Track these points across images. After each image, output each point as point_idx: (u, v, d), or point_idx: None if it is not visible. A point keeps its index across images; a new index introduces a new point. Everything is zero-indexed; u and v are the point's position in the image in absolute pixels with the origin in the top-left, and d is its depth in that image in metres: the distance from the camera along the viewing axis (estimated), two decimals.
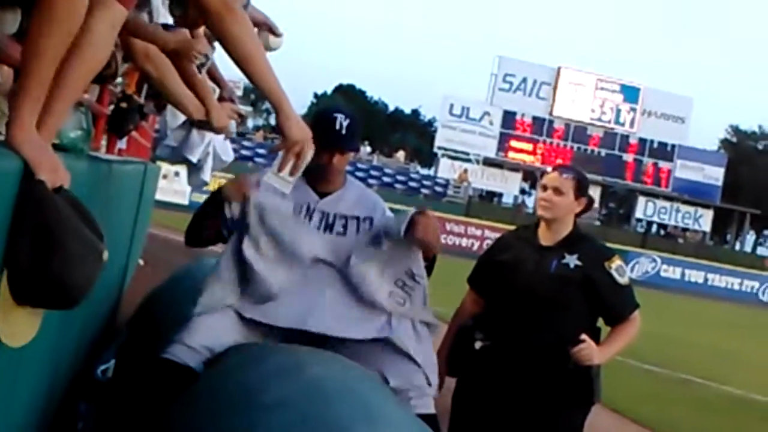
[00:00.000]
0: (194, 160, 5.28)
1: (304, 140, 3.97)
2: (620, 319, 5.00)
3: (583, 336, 4.79)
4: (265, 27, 4.64)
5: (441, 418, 5.00)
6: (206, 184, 5.80)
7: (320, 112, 4.75)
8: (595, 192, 38.17)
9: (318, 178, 4.58)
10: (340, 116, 4.54)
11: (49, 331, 3.36)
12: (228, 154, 5.59)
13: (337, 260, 4.52)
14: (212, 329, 4.37)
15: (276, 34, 4.79)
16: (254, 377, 3.80)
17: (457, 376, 5.22)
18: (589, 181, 5.27)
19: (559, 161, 50.34)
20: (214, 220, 4.66)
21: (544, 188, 5.04)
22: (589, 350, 4.78)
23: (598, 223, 53.06)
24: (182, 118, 5.41)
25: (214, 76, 5.68)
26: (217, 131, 5.18)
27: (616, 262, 4.97)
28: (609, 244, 5.37)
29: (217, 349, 4.31)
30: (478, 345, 5.10)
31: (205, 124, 5.12)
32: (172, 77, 4.96)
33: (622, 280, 4.96)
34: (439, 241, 4.44)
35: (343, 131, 4.53)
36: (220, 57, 5.26)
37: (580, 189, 5.00)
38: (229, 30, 3.54)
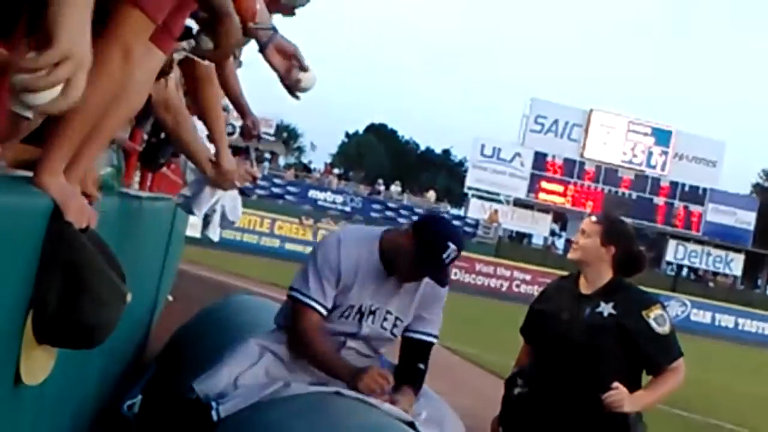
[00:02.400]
0: (199, 215, 5.30)
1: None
2: (659, 369, 4.92)
3: (616, 383, 4.73)
4: (295, 60, 4.64)
5: None
6: (212, 241, 5.79)
7: (433, 235, 4.46)
8: None
9: (395, 268, 4.54)
10: (451, 248, 4.38)
11: (70, 367, 3.36)
12: (236, 214, 5.58)
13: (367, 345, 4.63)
14: (238, 370, 4.36)
15: (303, 69, 4.79)
16: (280, 415, 3.79)
17: (503, 425, 5.21)
18: (630, 232, 5.19)
19: (589, 204, 50.28)
20: None
21: (578, 230, 5.06)
22: (619, 397, 4.71)
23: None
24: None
25: (239, 104, 5.67)
26: (224, 184, 5.19)
27: (656, 312, 4.89)
28: (640, 287, 5.30)
29: (243, 389, 4.30)
30: (516, 391, 5.09)
31: (216, 166, 5.12)
32: (189, 131, 4.97)
33: (661, 330, 4.86)
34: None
35: (447, 262, 4.41)
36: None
37: (607, 234, 4.95)
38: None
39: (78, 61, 1.89)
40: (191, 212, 5.34)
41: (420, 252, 4.35)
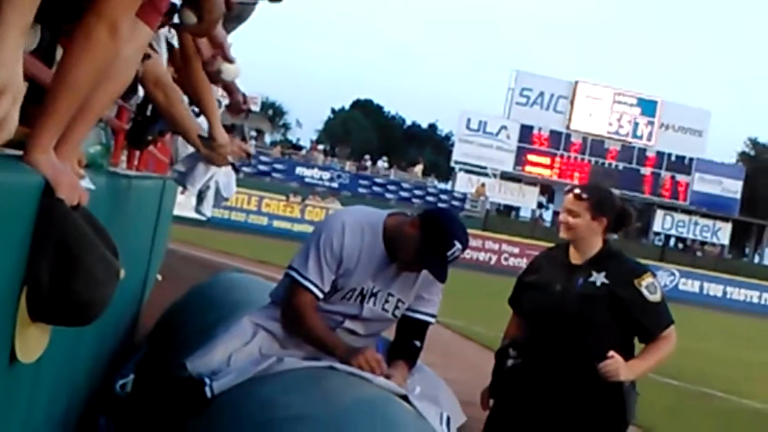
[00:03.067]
0: (194, 191, 5.29)
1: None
2: (652, 337, 4.94)
3: (611, 352, 4.74)
4: (221, 51, 4.64)
5: None
6: (206, 217, 5.79)
7: (441, 225, 4.50)
8: None
9: (398, 257, 4.51)
10: (457, 246, 4.39)
11: (65, 346, 3.37)
12: (230, 191, 5.58)
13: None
14: (232, 347, 4.37)
15: (229, 60, 4.77)
16: (273, 391, 3.80)
17: (494, 396, 5.21)
18: (612, 194, 5.20)
19: (576, 175, 50.32)
20: None
21: (563, 209, 5.02)
22: (615, 366, 4.72)
23: (615, 236, 52.96)
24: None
25: (225, 81, 5.66)
26: (217, 159, 5.18)
27: (647, 280, 4.90)
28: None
29: (237, 365, 4.31)
30: (509, 363, 5.09)
31: (207, 141, 5.11)
32: (180, 107, 4.96)
33: (653, 298, 4.88)
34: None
35: (449, 260, 4.42)
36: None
37: (597, 208, 4.94)
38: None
39: (15, 94, 1.89)
40: (185, 187, 5.33)
41: (424, 245, 4.34)
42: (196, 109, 5.42)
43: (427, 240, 4.33)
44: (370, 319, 4.58)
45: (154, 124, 6.13)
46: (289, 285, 4.54)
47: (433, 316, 4.70)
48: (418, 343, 4.62)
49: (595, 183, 5.61)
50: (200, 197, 5.46)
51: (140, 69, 4.47)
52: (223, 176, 5.44)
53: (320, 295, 4.46)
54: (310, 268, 4.45)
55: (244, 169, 38.34)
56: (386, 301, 4.56)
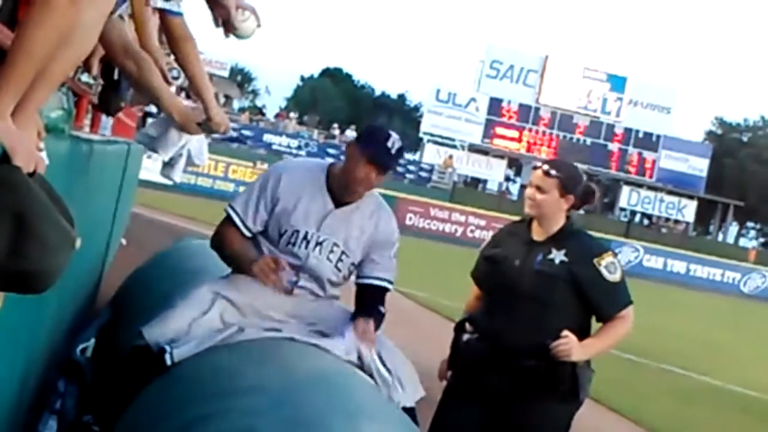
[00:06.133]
0: (165, 158, 5.25)
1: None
2: (609, 317, 4.94)
3: (565, 332, 4.74)
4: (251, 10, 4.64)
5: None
6: (174, 182, 5.77)
7: (373, 128, 4.87)
8: None
9: (345, 186, 4.60)
10: (394, 137, 4.57)
11: (23, 310, 3.35)
12: (202, 158, 5.54)
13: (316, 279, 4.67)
14: (191, 316, 4.36)
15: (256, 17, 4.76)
16: (230, 362, 3.80)
17: (451, 369, 5.22)
18: (580, 174, 5.19)
19: (544, 149, 50.48)
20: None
21: (530, 185, 5.01)
22: (567, 346, 4.72)
23: (582, 212, 53.19)
24: None
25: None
26: (192, 128, 5.13)
27: (607, 259, 4.89)
28: (592, 234, 5.30)
29: (197, 334, 4.30)
30: (465, 338, 5.09)
31: (206, 126, 5.07)
32: (152, 75, 4.89)
33: (612, 278, 4.87)
34: (373, 344, 4.42)
35: (393, 151, 4.56)
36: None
37: (566, 187, 4.93)
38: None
39: None
40: (155, 151, 5.27)
41: (364, 147, 4.53)
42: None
43: (366, 142, 4.56)
44: (316, 272, 4.61)
45: (122, 90, 6.08)
46: (222, 219, 4.75)
47: (389, 281, 4.73)
48: (382, 309, 4.65)
49: (564, 160, 5.57)
50: (170, 163, 5.42)
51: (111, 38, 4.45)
52: (196, 143, 5.41)
53: (244, 230, 4.67)
54: (241, 204, 4.68)
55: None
56: (331, 251, 4.61)
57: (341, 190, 4.61)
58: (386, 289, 4.73)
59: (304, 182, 4.66)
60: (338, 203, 4.63)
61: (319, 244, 4.59)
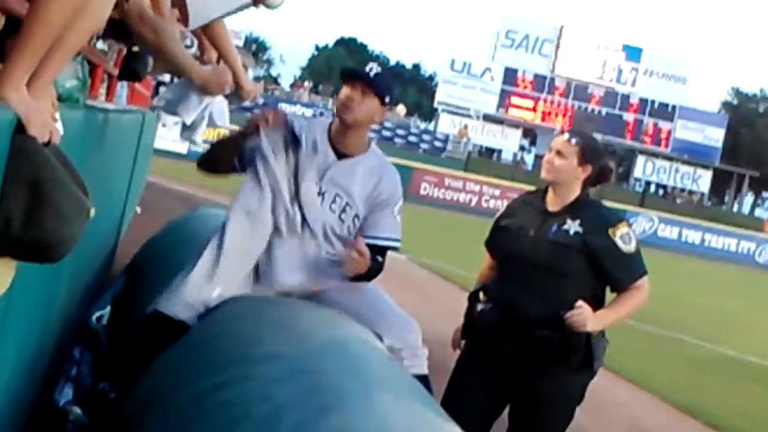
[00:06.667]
0: (187, 121, 5.23)
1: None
2: (623, 287, 4.92)
3: (579, 302, 4.74)
4: None
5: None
6: (195, 143, 5.77)
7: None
8: None
9: (340, 134, 4.65)
10: (373, 64, 4.65)
11: (39, 279, 3.37)
12: (223, 119, 5.54)
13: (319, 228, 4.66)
14: (207, 284, 4.38)
15: None
16: (247, 330, 3.81)
17: (465, 338, 5.23)
18: (602, 149, 5.19)
19: (559, 119, 50.36)
20: (231, 150, 4.78)
21: (550, 150, 5.00)
22: (582, 316, 4.71)
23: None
24: None
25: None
26: (214, 89, 5.12)
27: (622, 230, 4.86)
28: (606, 203, 5.29)
29: (212, 304, 4.33)
30: (479, 307, 5.10)
31: (236, 95, 5.09)
32: (172, 42, 4.85)
33: (627, 248, 4.85)
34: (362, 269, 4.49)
35: (371, 74, 4.59)
36: None
37: (585, 155, 4.91)
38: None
39: None
40: (177, 115, 5.25)
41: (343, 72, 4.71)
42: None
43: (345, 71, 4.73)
44: (323, 226, 4.63)
45: (147, 57, 6.08)
46: None
47: (392, 240, 4.74)
48: (379, 258, 4.65)
49: (587, 133, 5.59)
50: (192, 126, 5.40)
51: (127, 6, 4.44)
52: (217, 105, 5.40)
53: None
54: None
55: None
56: (333, 201, 4.62)
57: (340, 138, 4.65)
58: (388, 248, 4.74)
59: (310, 130, 4.70)
60: (340, 156, 4.65)
61: (321, 194, 4.61)
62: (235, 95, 5.01)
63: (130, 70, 6.40)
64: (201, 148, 5.61)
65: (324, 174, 4.61)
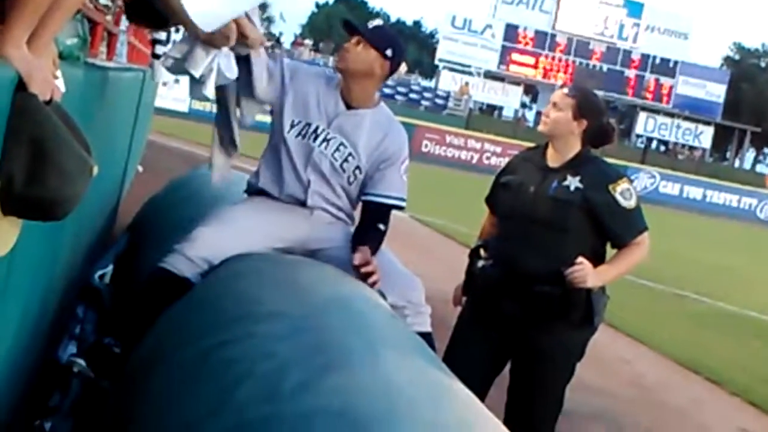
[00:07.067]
0: (197, 75, 5.19)
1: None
2: (623, 243, 4.93)
3: (579, 258, 4.74)
4: None
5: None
6: (207, 99, 5.76)
7: None
8: None
9: (346, 87, 4.70)
10: (377, 20, 4.79)
11: (41, 238, 3.37)
12: (232, 71, 5.51)
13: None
14: (212, 241, 4.40)
15: None
16: (249, 288, 3.82)
17: (466, 295, 5.24)
18: (601, 106, 5.17)
19: (561, 76, 50.21)
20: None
21: (549, 102, 5.01)
22: (582, 272, 4.72)
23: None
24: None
25: None
26: (218, 41, 5.09)
27: (622, 186, 4.85)
28: (608, 160, 5.28)
29: (216, 262, 4.35)
30: (479, 264, 5.10)
31: (242, 45, 5.06)
32: None
33: (627, 204, 4.84)
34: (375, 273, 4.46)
35: (369, 26, 4.69)
36: None
37: (581, 108, 4.90)
38: None
39: None
40: (187, 73, 5.23)
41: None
42: None
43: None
44: (323, 173, 4.69)
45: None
46: None
47: (395, 199, 4.76)
48: (382, 227, 4.68)
49: (588, 88, 5.55)
50: (200, 80, 5.38)
51: None
52: (224, 58, 5.38)
53: None
54: None
55: None
56: (337, 149, 4.67)
57: (346, 91, 4.70)
58: (391, 206, 4.76)
59: (319, 79, 4.79)
60: (349, 107, 4.70)
61: (326, 140, 4.66)
62: (241, 44, 4.99)
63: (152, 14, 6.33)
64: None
65: (332, 121, 4.67)
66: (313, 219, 4.67)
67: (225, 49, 5.18)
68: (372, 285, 4.31)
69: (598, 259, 4.84)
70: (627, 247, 4.89)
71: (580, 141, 4.93)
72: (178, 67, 5.16)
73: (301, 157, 4.66)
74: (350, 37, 4.67)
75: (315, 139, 4.66)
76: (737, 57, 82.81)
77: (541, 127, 5.00)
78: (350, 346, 3.05)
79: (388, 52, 4.63)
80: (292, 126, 4.69)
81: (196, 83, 5.32)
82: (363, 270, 4.34)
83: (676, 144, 54.43)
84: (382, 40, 4.65)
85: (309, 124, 4.67)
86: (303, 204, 4.68)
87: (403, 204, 4.80)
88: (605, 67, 52.13)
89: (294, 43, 56.60)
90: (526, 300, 4.84)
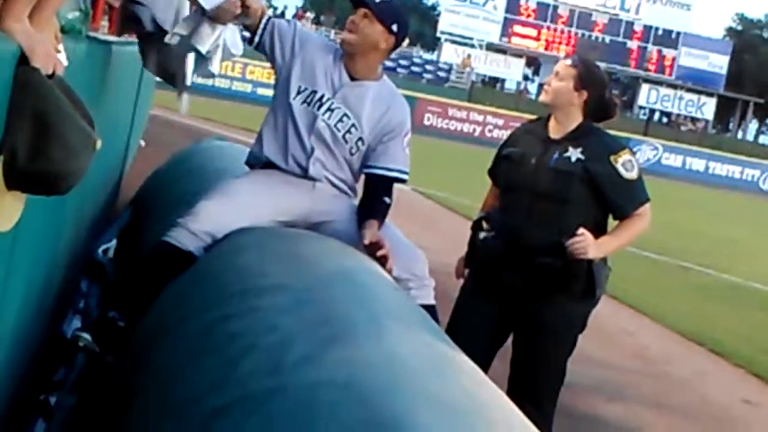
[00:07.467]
0: (203, 51, 5.18)
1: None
2: (625, 214, 4.92)
3: (581, 230, 4.74)
4: None
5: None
6: (213, 75, 5.74)
7: None
8: None
9: (350, 59, 4.68)
10: None
11: (45, 212, 3.37)
12: (238, 47, 5.50)
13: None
14: (215, 215, 4.40)
15: None
16: (252, 261, 3.82)
17: (468, 267, 5.24)
18: (603, 78, 5.16)
19: (563, 47, 50.09)
20: None
21: (553, 72, 5.01)
22: (583, 243, 4.71)
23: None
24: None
25: None
26: (224, 15, 5.09)
27: (624, 157, 4.84)
28: (611, 132, 5.27)
29: (219, 236, 4.35)
30: (481, 236, 5.10)
31: (244, 16, 5.05)
32: None
33: (629, 175, 4.83)
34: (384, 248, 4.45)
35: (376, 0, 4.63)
36: None
37: (582, 79, 4.90)
38: None
39: None
40: (194, 50, 5.22)
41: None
42: None
43: None
44: (325, 138, 4.68)
45: None
46: None
47: (398, 171, 4.75)
48: (387, 200, 4.69)
49: (590, 59, 5.55)
50: (205, 56, 5.37)
51: None
52: (230, 34, 5.37)
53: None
54: None
55: None
56: (340, 120, 4.66)
57: (350, 63, 4.69)
58: (394, 179, 4.76)
59: (327, 50, 4.77)
60: (352, 79, 4.69)
61: (330, 110, 4.65)
62: (244, 15, 4.98)
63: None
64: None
65: (337, 91, 4.66)
66: (316, 192, 4.66)
67: (230, 25, 5.19)
68: (383, 265, 4.31)
69: (599, 231, 4.83)
70: (628, 218, 4.89)
71: (581, 112, 4.92)
72: (185, 47, 5.16)
73: (305, 125, 4.65)
74: (354, 9, 4.64)
75: (319, 107, 4.65)
76: (740, 28, 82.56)
77: (542, 97, 5.01)
78: (354, 319, 3.05)
79: (394, 27, 4.62)
80: (299, 92, 4.68)
81: (202, 60, 5.31)
82: (378, 253, 4.35)
83: (678, 115, 54.41)
84: (389, 15, 4.63)
85: (315, 92, 4.66)
86: (305, 172, 4.67)
87: (406, 177, 4.80)
88: (607, 39, 52.06)
89: (295, 16, 56.39)
90: (527, 271, 4.84)
